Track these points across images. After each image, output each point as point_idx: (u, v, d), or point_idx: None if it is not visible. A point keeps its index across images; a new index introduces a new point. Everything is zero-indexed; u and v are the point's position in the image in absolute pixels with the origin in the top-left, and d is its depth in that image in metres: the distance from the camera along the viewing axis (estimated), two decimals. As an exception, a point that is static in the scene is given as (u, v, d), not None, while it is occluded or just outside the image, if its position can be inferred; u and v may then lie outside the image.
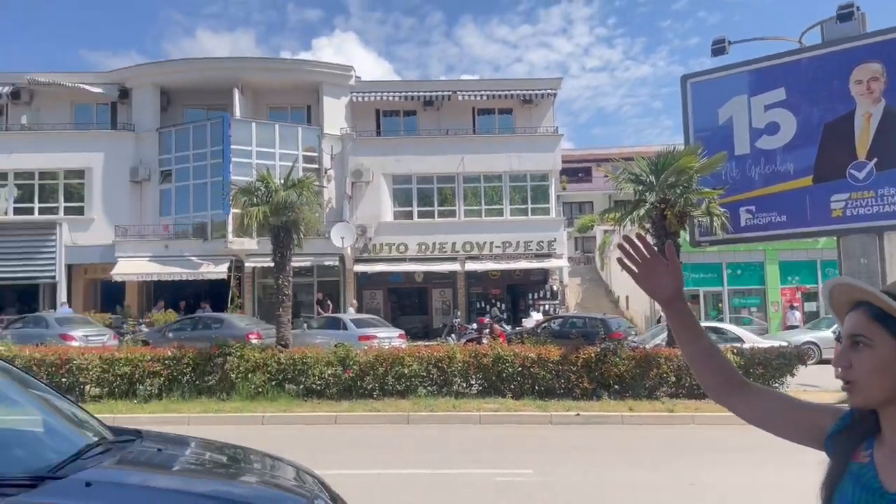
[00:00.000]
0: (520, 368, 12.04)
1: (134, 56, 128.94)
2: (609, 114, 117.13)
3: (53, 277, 26.20)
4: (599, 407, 11.37)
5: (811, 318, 24.35)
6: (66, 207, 27.69)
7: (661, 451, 8.77)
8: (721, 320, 24.20)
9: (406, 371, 12.03)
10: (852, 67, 12.18)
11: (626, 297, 30.75)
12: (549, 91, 30.13)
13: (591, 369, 12.05)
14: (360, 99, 29.28)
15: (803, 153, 12.81)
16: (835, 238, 13.38)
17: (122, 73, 29.16)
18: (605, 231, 37.20)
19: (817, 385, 13.38)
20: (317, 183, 18.96)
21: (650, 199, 13.20)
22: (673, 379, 12.03)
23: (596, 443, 9.44)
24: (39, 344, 14.44)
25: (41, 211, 27.63)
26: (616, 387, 12.06)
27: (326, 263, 26.49)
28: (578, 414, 10.85)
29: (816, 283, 26.12)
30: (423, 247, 27.60)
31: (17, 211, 27.64)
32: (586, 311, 26.87)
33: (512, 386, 12.08)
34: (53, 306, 25.31)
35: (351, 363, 12.17)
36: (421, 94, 29.61)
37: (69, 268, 26.85)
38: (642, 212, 13.33)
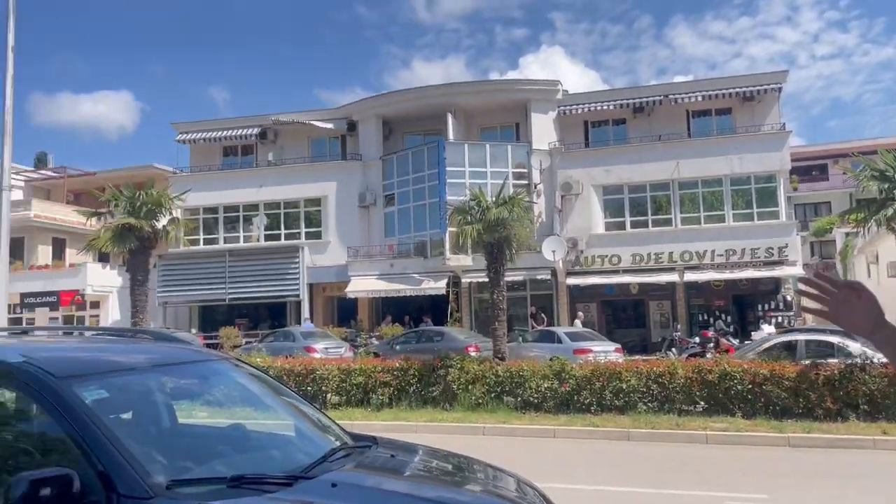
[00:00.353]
0: (750, 386, 11.22)
1: (358, 91, 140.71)
2: (846, 104, 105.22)
3: (298, 295, 29.29)
4: (846, 429, 10.22)
5: None
6: (306, 233, 30.86)
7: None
8: None
9: (624, 386, 11.76)
10: None
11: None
12: (773, 85, 27.86)
13: (834, 388, 10.89)
14: (567, 112, 29.28)
15: None
16: None
17: (349, 108, 31.99)
18: (847, 234, 33.34)
19: None
20: (527, 199, 19.24)
21: (900, 197, 11.69)
22: (938, 401, 10.48)
23: (843, 469, 8.51)
24: (288, 356, 16.25)
25: (286, 237, 31.08)
26: (865, 407, 10.77)
27: (539, 277, 26.71)
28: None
29: None
30: (638, 258, 26.78)
31: (266, 238, 31.38)
32: (826, 324, 24.28)
33: (741, 404, 11.28)
34: (299, 322, 28.25)
35: (567, 377, 12.17)
36: (630, 100, 28.91)
37: (310, 286, 29.83)
38: (890, 212, 11.85)
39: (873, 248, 27.13)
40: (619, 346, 19.36)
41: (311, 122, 31.60)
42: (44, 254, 33.17)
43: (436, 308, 27.64)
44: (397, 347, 19.78)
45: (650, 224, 27.55)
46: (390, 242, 29.47)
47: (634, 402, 11.67)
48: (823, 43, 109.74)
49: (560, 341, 18.41)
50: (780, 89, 28.07)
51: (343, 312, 30.59)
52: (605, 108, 29.19)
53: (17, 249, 30.85)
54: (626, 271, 26.87)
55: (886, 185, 12.05)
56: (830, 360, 11.74)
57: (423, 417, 12.09)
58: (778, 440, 9.97)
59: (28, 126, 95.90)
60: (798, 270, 26.00)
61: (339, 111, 32.28)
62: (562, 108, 29.35)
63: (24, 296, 30.55)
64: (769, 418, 10.90)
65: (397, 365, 13.52)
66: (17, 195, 32.02)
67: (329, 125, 31.59)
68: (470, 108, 30.52)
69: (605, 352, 17.54)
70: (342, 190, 30.37)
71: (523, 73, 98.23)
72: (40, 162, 43.59)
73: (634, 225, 27.73)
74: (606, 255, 27.12)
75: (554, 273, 26.78)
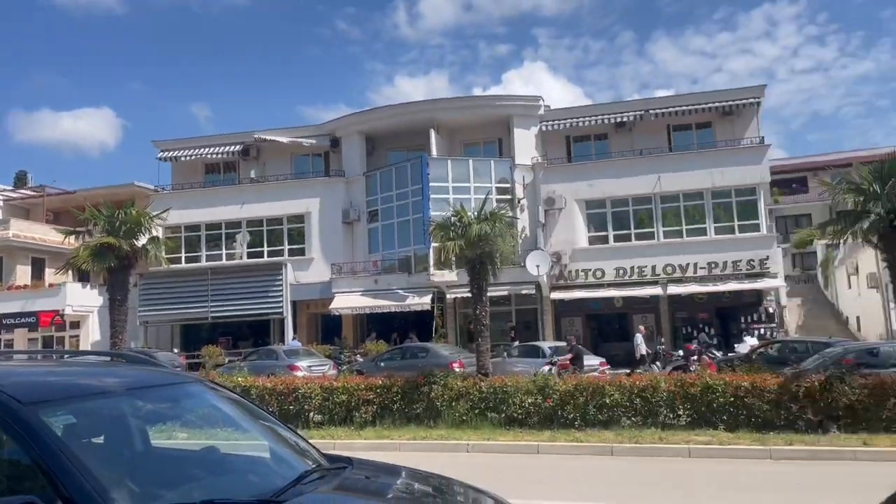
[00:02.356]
0: (732, 399, 11.25)
1: (342, 107, 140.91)
2: (826, 117, 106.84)
3: (281, 313, 29.09)
4: (828, 441, 10.26)
5: None
6: (289, 249, 30.73)
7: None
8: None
9: (608, 401, 11.76)
10: None
11: (857, 318, 27.55)
12: (752, 100, 28.26)
13: (815, 399, 10.94)
14: (550, 127, 29.48)
15: None
16: None
17: (332, 124, 32.01)
18: (828, 246, 33.70)
19: None
20: (509, 214, 19.30)
21: (875, 210, 11.82)
22: (919, 411, 10.56)
23: (825, 481, 8.53)
24: (271, 374, 16.10)
25: (269, 254, 30.92)
26: (847, 419, 10.82)
27: (523, 292, 26.74)
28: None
29: None
30: (621, 271, 26.92)
31: (249, 255, 31.17)
32: (809, 335, 24.47)
33: (724, 417, 11.31)
34: (283, 339, 28.06)
35: (550, 392, 12.15)
36: (612, 115, 29.20)
37: (294, 304, 29.64)
38: (866, 224, 11.98)
39: (853, 259, 27.44)
40: (603, 360, 19.40)
41: (295, 140, 31.58)
42: (22, 274, 32.72)
43: (421, 324, 27.57)
44: (382, 364, 19.69)
45: (633, 238, 27.73)
46: (374, 258, 29.42)
47: (618, 416, 11.67)
48: (802, 57, 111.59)
49: (544, 356, 18.41)
50: (758, 103, 28.46)
51: (327, 329, 30.41)
52: (587, 123, 29.43)
53: (-5, 269, 30.51)
54: (610, 285, 26.98)
55: (861, 198, 12.19)
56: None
57: (407, 435, 12.01)
58: (760, 453, 9.98)
59: (8, 144, 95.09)
60: (780, 282, 26.25)
61: (322, 128, 32.29)
62: (544, 123, 29.56)
63: (2, 316, 30.13)
64: (751, 431, 10.93)
65: (380, 382, 13.44)
66: (-4, 215, 31.71)
67: (312, 141, 31.60)
68: (453, 123, 30.65)
69: (591, 366, 17.56)
70: (325, 206, 30.30)
71: (506, 88, 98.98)
72: (20, 181, 43.29)
73: (618, 239, 27.89)
74: (590, 269, 27.23)
75: (538, 287, 26.83)
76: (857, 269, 27.29)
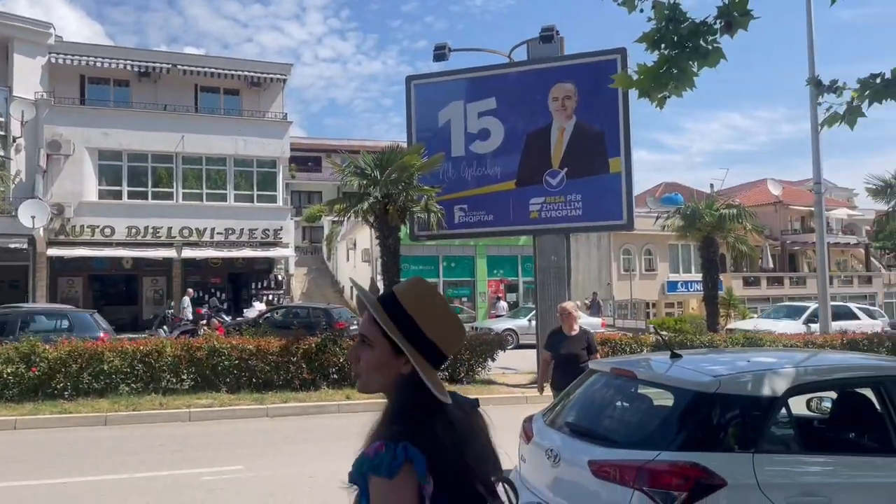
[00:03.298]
0: (237, 361, 11.58)
1: None
2: (341, 106, 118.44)
3: None
4: (318, 397, 11.40)
5: (512, 308, 27.12)
6: None
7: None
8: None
9: (106, 367, 10.89)
10: (550, 85, 13.76)
11: (351, 288, 31.32)
12: (280, 76, 29.45)
13: (311, 360, 12.01)
14: (60, 61, 25.77)
15: (509, 159, 14.16)
16: (532, 237, 15.00)
17: None
18: (333, 221, 37.54)
19: (514, 368, 14.90)
20: (0, 153, 16.29)
21: (374, 194, 13.56)
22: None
23: (312, 434, 9.44)
24: None
25: None
26: (335, 376, 12.18)
27: (12, 246, 22.92)
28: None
29: (517, 277, 29.24)
30: (134, 230, 25.26)
31: None
32: (311, 301, 26.89)
33: (227, 380, 11.56)
34: None
35: (37, 360, 10.69)
36: (136, 63, 27.02)
37: None
38: (366, 205, 13.67)
39: (353, 236, 31.11)
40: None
41: None
42: None
43: None
44: None
45: (150, 196, 26.24)
46: None
47: (117, 383, 10.91)
48: (326, 46, 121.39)
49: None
50: (284, 80, 29.81)
51: None
52: (107, 65, 26.61)
53: None
54: (119, 244, 25.04)
55: (364, 181, 13.87)
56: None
57: None
58: (258, 412, 10.54)
59: None
60: (290, 252, 28.11)
61: None
62: (54, 55, 25.70)
63: None
64: (252, 391, 11.45)
65: None
66: None
67: None
68: (-75, 29, 24.37)
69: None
70: None
71: (7, 6, 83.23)
72: None
73: (133, 196, 26.04)
74: (98, 226, 24.82)
75: (32, 242, 23.29)
76: (355, 244, 31.04)
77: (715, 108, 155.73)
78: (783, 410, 3.74)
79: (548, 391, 7.25)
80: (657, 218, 22.45)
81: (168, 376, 11.30)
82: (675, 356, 4.30)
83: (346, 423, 9.92)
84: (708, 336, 14.59)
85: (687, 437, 3.58)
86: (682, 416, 3.75)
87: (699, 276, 22.37)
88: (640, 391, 4.43)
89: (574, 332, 7.07)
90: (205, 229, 26.16)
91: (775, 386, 3.70)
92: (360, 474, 1.45)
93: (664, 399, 4.07)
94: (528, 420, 4.78)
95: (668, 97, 5.41)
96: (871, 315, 22.57)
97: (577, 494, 3.79)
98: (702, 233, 19.46)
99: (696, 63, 4.66)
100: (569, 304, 7.40)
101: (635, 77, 5.20)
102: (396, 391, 1.59)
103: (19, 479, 6.84)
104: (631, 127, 13.44)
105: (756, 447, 3.46)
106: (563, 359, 6.94)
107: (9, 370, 10.53)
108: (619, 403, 4.51)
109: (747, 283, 38.40)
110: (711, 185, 38.16)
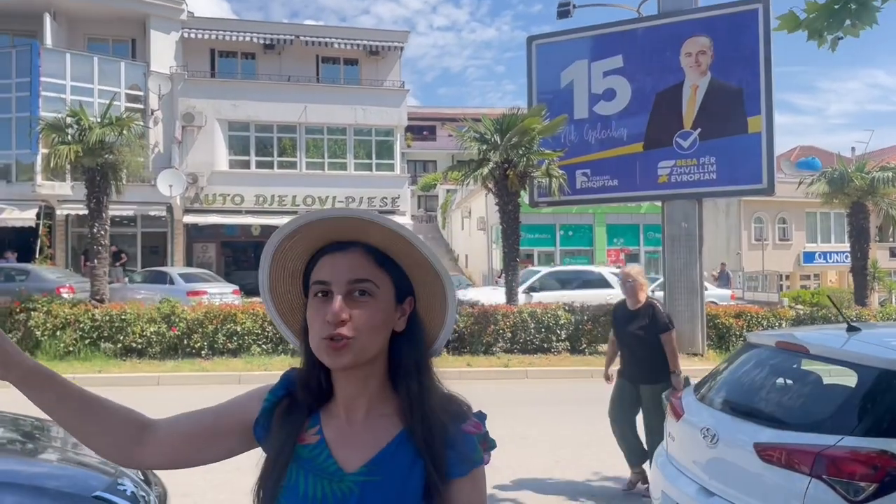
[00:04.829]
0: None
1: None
2: (454, 74, 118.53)
3: None
4: (438, 363, 11.37)
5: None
6: None
7: (497, 405, 8.89)
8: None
9: (239, 329, 11.37)
10: (683, 40, 12.86)
11: (466, 256, 31.40)
12: (397, 44, 29.57)
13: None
14: (193, 36, 27.03)
15: (636, 120, 13.43)
16: (657, 203, 14.23)
17: None
18: (448, 190, 37.65)
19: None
20: (140, 123, 17.26)
21: (494, 159, 13.27)
22: (509, 335, 12.32)
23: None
24: None
25: None
26: (455, 343, 12.15)
27: (152, 213, 24.51)
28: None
29: (638, 246, 28.18)
30: (261, 199, 26.33)
31: None
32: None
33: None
34: None
35: (177, 320, 11.30)
36: (262, 35, 27.91)
37: None
38: (485, 171, 13.41)
39: (468, 204, 31.05)
40: (237, 287, 18.85)
41: None
42: None
43: (22, 242, 23.49)
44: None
45: (276, 165, 27.25)
46: (-41, 161, 24.01)
47: (249, 344, 11.38)
48: (440, 14, 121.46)
49: (172, 282, 17.16)
50: (402, 49, 29.93)
51: None
52: (234, 38, 27.67)
53: None
54: (248, 212, 26.22)
55: (485, 147, 13.60)
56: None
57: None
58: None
59: None
60: (407, 220, 28.41)
61: None
62: (187, 30, 26.99)
63: None
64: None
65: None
66: None
67: None
68: (75, 11, 26.14)
69: (222, 294, 16.90)
70: None
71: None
72: None
73: (259, 165, 27.13)
74: (229, 195, 26.07)
75: (170, 209, 24.82)
76: (470, 212, 30.98)
77: (856, 66, 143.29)
78: None
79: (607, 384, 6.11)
80: (799, 184, 20.71)
81: (295, 338, 11.63)
82: (852, 329, 3.82)
83: (466, 390, 9.83)
84: (855, 310, 13.39)
85: (874, 422, 3.14)
86: (866, 396, 3.30)
87: (841, 247, 20.61)
88: (804, 367, 3.98)
89: (638, 306, 5.57)
90: (327, 197, 26.86)
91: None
92: (476, 461, 1.18)
93: (838, 377, 3.62)
94: (675, 396, 4.43)
95: (842, 38, 4.78)
96: None
97: (738, 478, 3.44)
98: (851, 198, 17.83)
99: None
100: (633, 268, 5.85)
101: (803, 17, 4.61)
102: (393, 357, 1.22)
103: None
104: (773, 82, 12.37)
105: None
106: (622, 340, 5.68)
107: (152, 329, 11.19)
108: (780, 380, 4.06)
109: (894, 254, 35.20)
110: (853, 149, 35.00)
